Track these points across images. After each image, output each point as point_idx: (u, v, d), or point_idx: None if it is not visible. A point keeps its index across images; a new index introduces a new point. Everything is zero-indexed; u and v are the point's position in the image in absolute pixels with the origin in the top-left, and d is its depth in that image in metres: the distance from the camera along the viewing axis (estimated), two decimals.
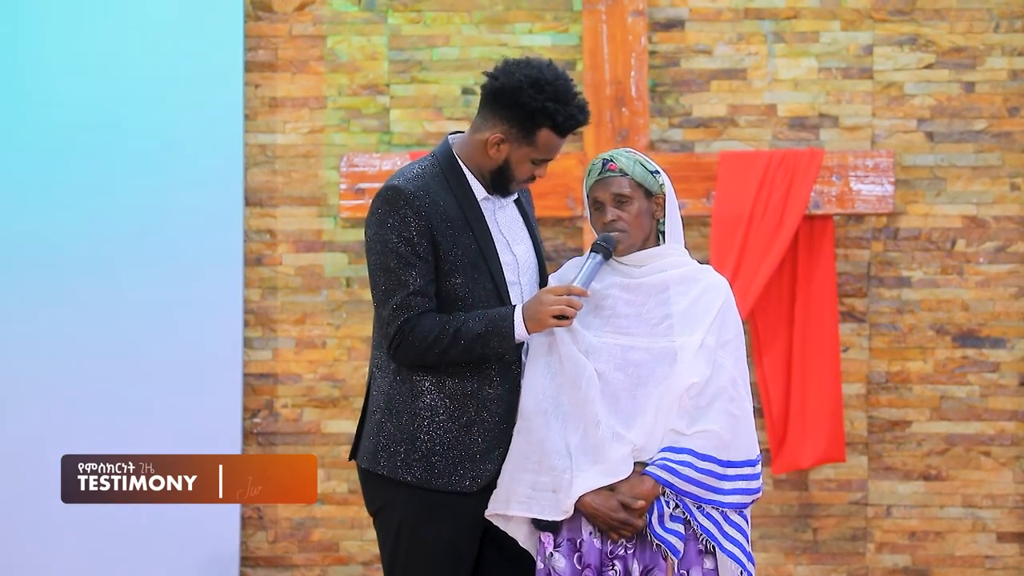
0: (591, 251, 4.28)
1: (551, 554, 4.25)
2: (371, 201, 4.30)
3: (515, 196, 4.45)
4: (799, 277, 6.53)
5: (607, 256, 4.28)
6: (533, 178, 4.32)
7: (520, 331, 4.22)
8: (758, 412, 6.51)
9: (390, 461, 4.31)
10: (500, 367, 4.30)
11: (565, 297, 4.20)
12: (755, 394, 6.54)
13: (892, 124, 6.62)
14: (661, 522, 4.20)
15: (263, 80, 6.71)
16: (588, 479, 4.20)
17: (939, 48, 6.62)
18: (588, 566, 4.21)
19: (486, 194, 4.35)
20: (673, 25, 6.68)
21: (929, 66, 6.62)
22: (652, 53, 6.64)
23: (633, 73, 6.51)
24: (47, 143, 6.57)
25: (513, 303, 4.29)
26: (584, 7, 6.54)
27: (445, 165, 4.33)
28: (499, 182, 4.31)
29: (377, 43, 6.71)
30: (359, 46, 6.71)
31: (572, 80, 4.25)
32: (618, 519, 4.17)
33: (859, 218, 6.61)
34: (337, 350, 6.71)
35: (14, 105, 6.58)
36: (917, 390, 6.65)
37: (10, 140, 6.58)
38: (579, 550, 4.23)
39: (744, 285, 6.38)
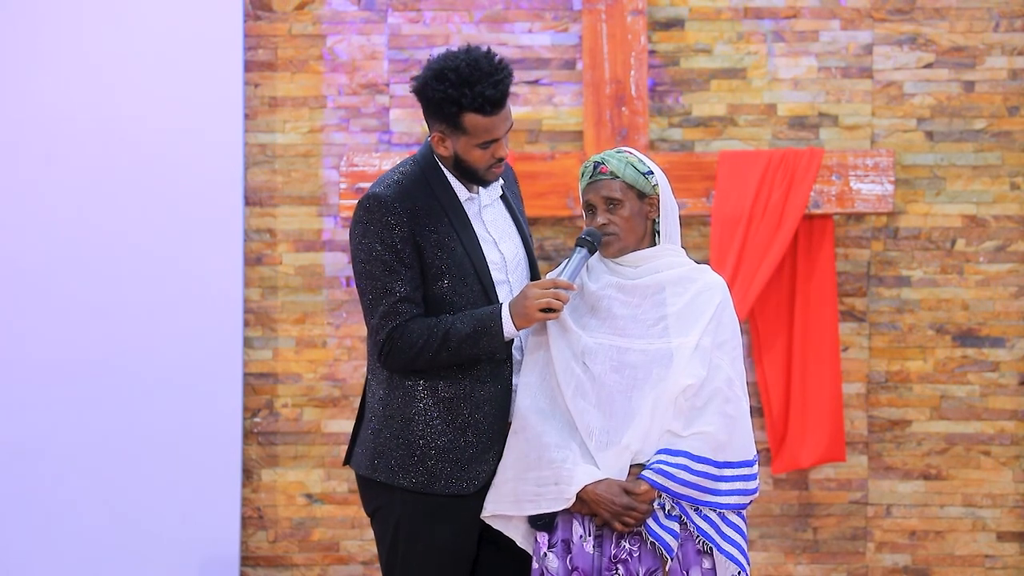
0: (576, 245, 4.29)
1: (545, 554, 4.26)
2: (354, 210, 4.30)
3: (500, 192, 4.44)
4: (799, 277, 6.52)
5: (592, 250, 4.28)
6: (500, 160, 4.28)
7: (508, 328, 4.22)
8: (758, 412, 6.51)
9: (387, 467, 4.31)
10: (491, 367, 4.30)
11: (551, 290, 4.19)
12: (755, 394, 6.54)
13: (892, 123, 6.62)
14: (656, 520, 4.20)
15: (263, 80, 6.72)
16: (590, 470, 4.20)
17: (939, 47, 6.61)
18: (576, 569, 4.21)
19: (469, 194, 4.35)
20: (673, 24, 6.68)
21: (929, 65, 6.62)
22: (652, 52, 6.64)
23: (633, 72, 6.51)
24: (47, 142, 6.57)
25: (502, 302, 4.28)
26: (584, 6, 6.53)
27: (427, 168, 4.32)
28: (467, 175, 4.31)
29: (377, 42, 6.71)
30: (359, 45, 6.71)
31: (488, 55, 4.20)
32: (622, 503, 4.16)
33: (859, 217, 6.60)
34: (337, 349, 6.71)
35: (13, 104, 6.58)
36: (917, 389, 6.64)
37: (9, 139, 6.58)
38: (571, 552, 4.23)
39: (744, 285, 6.38)
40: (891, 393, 6.65)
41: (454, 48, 4.25)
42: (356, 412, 6.55)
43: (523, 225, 4.47)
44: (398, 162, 6.39)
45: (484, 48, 4.22)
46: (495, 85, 4.16)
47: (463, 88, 4.15)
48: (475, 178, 4.30)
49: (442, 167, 4.32)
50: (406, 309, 4.23)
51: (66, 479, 6.56)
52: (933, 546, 6.65)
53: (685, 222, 6.38)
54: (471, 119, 4.19)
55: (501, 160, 4.28)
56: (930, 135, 6.62)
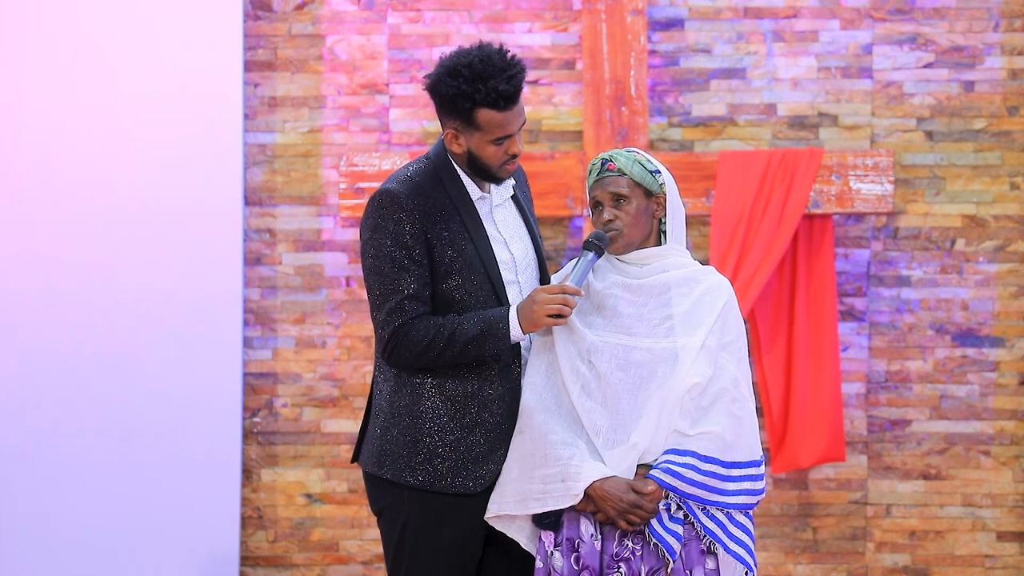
0: (583, 248, 4.29)
1: (551, 553, 4.26)
2: (365, 205, 4.30)
3: (511, 192, 4.44)
4: (799, 276, 6.52)
5: (599, 253, 4.29)
6: (513, 157, 4.29)
7: (515, 332, 4.22)
8: (758, 412, 6.50)
9: (394, 465, 4.31)
10: (500, 367, 4.31)
11: (559, 296, 4.20)
12: (755, 394, 6.53)
13: (891, 123, 6.62)
14: (660, 521, 4.20)
15: (262, 79, 6.71)
16: (598, 466, 4.20)
17: (938, 47, 6.61)
18: (587, 568, 4.21)
19: (481, 193, 4.35)
20: (672, 24, 6.68)
21: (928, 65, 6.62)
22: (652, 52, 6.64)
23: (632, 72, 6.51)
24: (47, 142, 6.56)
25: (511, 302, 4.29)
26: (583, 6, 6.53)
27: (440, 165, 4.33)
28: (480, 172, 4.32)
29: (376, 42, 6.71)
30: (358, 45, 6.71)
31: (501, 52, 4.22)
32: (629, 500, 4.17)
33: (859, 217, 6.61)
34: (337, 349, 6.71)
35: (13, 104, 6.57)
36: (917, 389, 6.65)
37: (9, 139, 6.57)
38: (577, 551, 4.23)
39: (744, 284, 6.38)
40: (891, 393, 6.65)
41: (465, 46, 4.26)
42: (356, 412, 6.61)
43: (533, 225, 4.48)
44: (397, 161, 6.46)
45: (496, 45, 4.23)
46: (508, 80, 4.18)
47: (476, 83, 4.16)
48: (488, 175, 4.31)
49: (455, 165, 4.33)
50: (413, 307, 4.23)
51: (66, 479, 6.55)
52: (933, 546, 6.66)
53: (685, 222, 6.37)
54: (485, 115, 4.20)
55: (515, 157, 4.29)
56: (930, 135, 6.62)
